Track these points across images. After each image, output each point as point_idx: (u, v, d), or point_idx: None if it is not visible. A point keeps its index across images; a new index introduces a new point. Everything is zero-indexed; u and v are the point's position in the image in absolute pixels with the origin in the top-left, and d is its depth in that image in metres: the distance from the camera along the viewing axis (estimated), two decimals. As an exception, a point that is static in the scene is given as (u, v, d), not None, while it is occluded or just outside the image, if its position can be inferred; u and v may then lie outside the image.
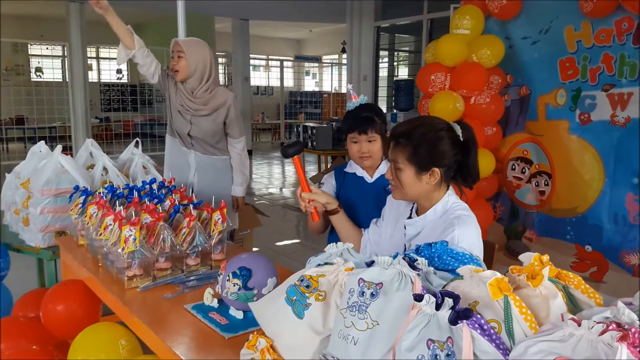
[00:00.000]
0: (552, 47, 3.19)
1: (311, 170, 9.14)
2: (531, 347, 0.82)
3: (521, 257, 1.07)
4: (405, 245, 1.66)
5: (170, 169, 2.97)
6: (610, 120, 2.96)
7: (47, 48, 13.33)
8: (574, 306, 1.01)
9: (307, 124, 8.36)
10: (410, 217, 1.67)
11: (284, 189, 8.40)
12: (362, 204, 2.03)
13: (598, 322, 0.79)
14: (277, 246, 5.07)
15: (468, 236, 1.48)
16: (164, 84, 2.91)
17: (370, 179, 2.10)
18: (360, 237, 1.92)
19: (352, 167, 2.14)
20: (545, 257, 1.02)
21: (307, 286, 1.20)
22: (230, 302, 1.57)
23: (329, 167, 7.61)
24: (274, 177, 9.54)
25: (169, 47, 2.95)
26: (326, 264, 1.26)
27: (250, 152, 11.30)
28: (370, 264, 1.16)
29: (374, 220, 1.91)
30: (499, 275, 0.96)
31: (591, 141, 3.06)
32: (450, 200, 1.59)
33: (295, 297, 1.19)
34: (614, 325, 0.77)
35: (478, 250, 1.50)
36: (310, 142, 7.63)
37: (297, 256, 4.58)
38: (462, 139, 1.55)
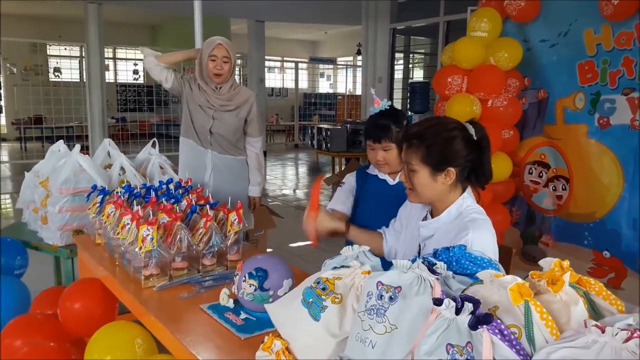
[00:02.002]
0: (571, 50, 3.15)
1: (325, 172, 9.14)
2: (553, 353, 0.81)
3: (541, 262, 1.06)
4: (419, 244, 1.65)
5: (185, 171, 2.99)
6: (630, 125, 2.92)
7: (65, 48, 13.51)
8: (595, 313, 0.99)
9: (321, 125, 8.36)
10: (425, 219, 1.66)
11: (297, 191, 8.40)
12: (383, 206, 2.02)
13: (622, 329, 0.78)
14: (291, 247, 5.07)
15: (482, 240, 1.45)
16: (179, 88, 2.93)
17: (392, 182, 2.10)
18: (379, 239, 1.90)
19: (375, 170, 2.14)
20: (566, 263, 1.01)
21: (324, 288, 1.20)
22: (246, 302, 1.57)
23: (343, 169, 7.60)
24: (287, 179, 9.55)
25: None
26: (342, 266, 1.25)
27: (264, 153, 11.34)
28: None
29: (392, 223, 1.89)
30: (519, 280, 0.95)
31: (610, 145, 3.02)
32: (466, 202, 1.56)
33: (311, 299, 1.19)
34: (639, 333, 0.76)
35: (492, 255, 1.46)
36: (325, 143, 7.63)
37: (311, 258, 4.57)
38: (475, 138, 1.52)
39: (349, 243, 1.85)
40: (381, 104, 2.03)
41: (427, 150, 1.50)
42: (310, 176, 9.53)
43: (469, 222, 1.48)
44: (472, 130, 1.53)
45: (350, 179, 2.19)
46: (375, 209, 2.04)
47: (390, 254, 1.88)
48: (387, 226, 1.92)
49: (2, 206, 6.84)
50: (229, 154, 2.98)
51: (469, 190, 1.62)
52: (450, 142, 1.50)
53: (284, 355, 1.18)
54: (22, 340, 2.12)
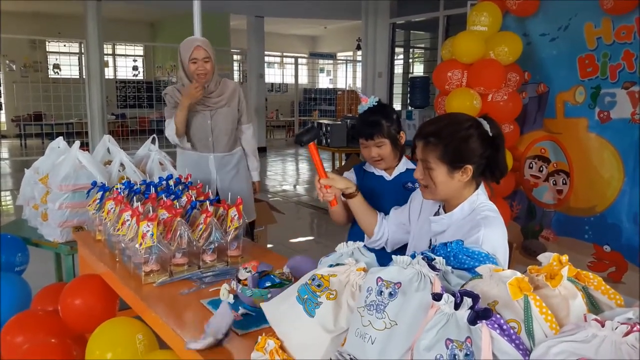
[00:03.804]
0: (571, 44, 3.14)
1: (325, 167, 9.14)
2: (553, 347, 0.81)
3: (540, 257, 1.06)
4: (430, 239, 1.65)
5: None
6: (630, 119, 2.91)
7: (64, 45, 13.47)
8: (593, 307, 1.00)
9: (321, 121, 8.35)
10: (437, 214, 1.65)
11: (297, 186, 8.40)
12: (380, 201, 2.03)
13: (622, 323, 0.78)
14: (291, 243, 5.08)
15: (493, 237, 1.45)
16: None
17: (388, 177, 2.10)
18: (374, 219, 1.90)
19: (371, 166, 2.14)
20: (565, 257, 1.01)
21: (319, 285, 1.21)
22: (245, 298, 1.57)
23: (343, 164, 7.59)
24: (287, 174, 9.55)
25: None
26: (338, 264, 1.26)
27: (264, 149, 11.34)
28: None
29: (395, 214, 1.89)
30: (518, 274, 0.95)
31: (610, 139, 3.01)
32: (479, 199, 1.56)
33: (306, 296, 1.20)
34: (638, 327, 0.76)
35: (503, 252, 1.47)
36: (325, 139, 7.62)
37: (311, 253, 4.57)
38: (490, 134, 1.53)
39: (353, 236, 1.85)
40: (369, 101, 2.03)
41: (444, 149, 1.50)
42: (311, 172, 9.52)
43: (481, 220, 1.48)
44: (487, 127, 1.53)
45: (350, 176, 2.19)
46: (373, 204, 2.05)
47: (379, 241, 1.89)
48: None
49: (3, 203, 6.85)
50: (228, 151, 3.00)
51: (482, 186, 1.62)
52: (467, 140, 1.51)
53: (278, 354, 1.18)
54: (24, 337, 2.13)
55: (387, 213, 1.94)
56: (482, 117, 1.57)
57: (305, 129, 1.85)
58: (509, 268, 1.18)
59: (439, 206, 1.66)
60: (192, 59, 2.80)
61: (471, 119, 1.56)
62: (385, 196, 2.04)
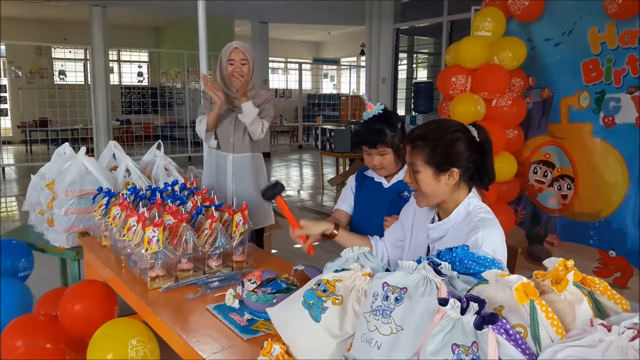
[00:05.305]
0: (576, 49, 3.14)
1: (329, 172, 9.15)
2: (559, 352, 0.81)
3: (545, 262, 1.06)
4: (428, 246, 1.66)
5: (209, 177, 3.06)
6: (635, 123, 2.90)
7: (70, 51, 13.58)
8: (599, 312, 0.99)
9: (325, 126, 8.36)
10: (432, 221, 1.66)
11: (301, 192, 8.41)
12: (375, 207, 2.04)
13: (628, 328, 0.78)
14: (295, 248, 5.06)
15: (492, 238, 1.47)
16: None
17: (386, 184, 2.11)
18: (368, 245, 1.91)
19: (372, 172, 2.15)
20: (570, 262, 1.01)
21: (324, 290, 1.21)
22: (250, 303, 1.58)
23: (347, 169, 7.60)
24: (291, 180, 9.56)
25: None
26: (343, 269, 1.26)
27: (268, 155, 11.35)
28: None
29: (389, 233, 1.90)
30: (524, 279, 0.95)
31: (615, 144, 3.01)
32: (472, 202, 1.58)
33: (312, 301, 1.20)
34: (645, 332, 0.76)
35: (502, 253, 1.50)
36: (329, 144, 7.63)
37: (315, 259, 4.56)
38: (478, 140, 1.55)
39: None
40: (374, 108, 2.02)
41: (431, 152, 1.53)
42: (315, 177, 9.53)
43: (479, 222, 1.50)
44: (474, 133, 1.55)
45: (351, 179, 2.23)
46: (369, 210, 2.06)
47: (381, 264, 1.89)
48: (380, 228, 1.93)
49: (8, 209, 6.88)
50: (248, 152, 3.00)
51: (473, 189, 1.63)
52: (453, 143, 1.53)
53: (283, 359, 1.18)
54: (22, 340, 2.12)
55: (380, 219, 1.95)
56: (471, 124, 1.59)
57: (269, 185, 1.83)
58: (513, 273, 1.18)
59: (434, 214, 1.67)
60: (229, 59, 2.85)
61: (459, 124, 1.59)
62: (380, 203, 2.05)
